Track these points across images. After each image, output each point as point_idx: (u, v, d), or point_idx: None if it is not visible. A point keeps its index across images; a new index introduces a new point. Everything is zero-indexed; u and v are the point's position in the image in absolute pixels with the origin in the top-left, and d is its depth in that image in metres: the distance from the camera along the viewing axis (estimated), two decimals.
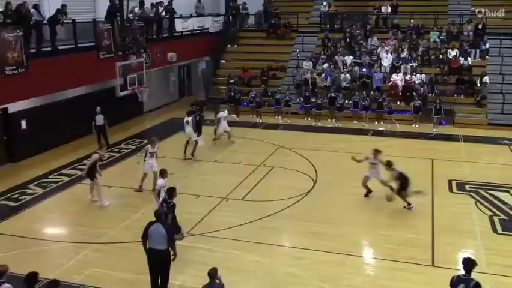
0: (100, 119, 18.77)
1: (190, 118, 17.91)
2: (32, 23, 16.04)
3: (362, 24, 28.26)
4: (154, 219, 9.18)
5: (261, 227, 12.51)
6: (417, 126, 22.29)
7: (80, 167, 17.10)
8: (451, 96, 23.61)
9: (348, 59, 25.85)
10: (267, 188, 15.11)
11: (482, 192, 14.71)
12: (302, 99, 24.43)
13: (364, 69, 24.94)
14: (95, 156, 13.86)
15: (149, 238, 9.06)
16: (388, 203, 13.83)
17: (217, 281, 7.82)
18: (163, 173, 11.87)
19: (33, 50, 16.23)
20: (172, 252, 9.57)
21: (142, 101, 20.14)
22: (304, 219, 12.93)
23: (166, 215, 9.82)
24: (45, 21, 17.01)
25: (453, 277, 7.86)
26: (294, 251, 11.38)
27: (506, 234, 12.16)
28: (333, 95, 23.52)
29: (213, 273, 7.95)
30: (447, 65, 24.67)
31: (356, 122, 23.24)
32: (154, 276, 9.25)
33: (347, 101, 23.87)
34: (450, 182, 15.58)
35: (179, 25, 25.08)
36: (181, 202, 12.68)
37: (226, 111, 20.56)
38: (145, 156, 14.66)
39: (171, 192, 10.61)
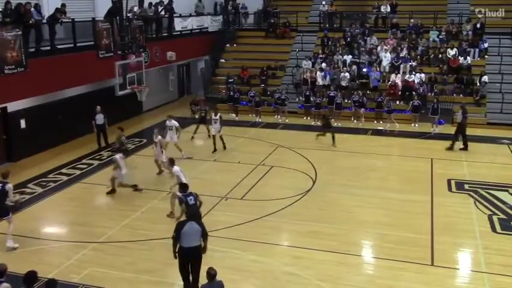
0: (100, 118, 18.81)
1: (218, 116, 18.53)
2: (31, 22, 16.01)
3: (361, 23, 28.27)
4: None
5: (260, 226, 12.50)
6: (416, 125, 22.30)
7: (79, 166, 17.14)
8: (450, 95, 23.61)
9: (348, 58, 25.85)
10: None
11: (482, 192, 14.71)
12: (302, 98, 24.43)
13: (365, 69, 24.92)
14: (9, 186, 11.27)
15: (183, 238, 8.99)
16: (388, 203, 13.87)
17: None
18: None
19: (33, 49, 16.20)
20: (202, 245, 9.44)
21: (141, 100, 20.13)
22: (303, 218, 12.92)
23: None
24: (44, 21, 16.99)
25: None
26: (293, 250, 11.37)
27: (506, 234, 12.16)
28: (332, 94, 23.52)
29: (213, 273, 7.94)
30: (446, 64, 24.67)
31: (355, 121, 23.27)
32: (186, 274, 9.19)
33: (346, 100, 23.87)
34: (449, 181, 15.58)
35: (179, 24, 25.07)
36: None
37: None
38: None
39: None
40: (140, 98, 19.50)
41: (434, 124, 21.75)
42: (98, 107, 18.77)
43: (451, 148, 18.81)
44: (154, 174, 16.20)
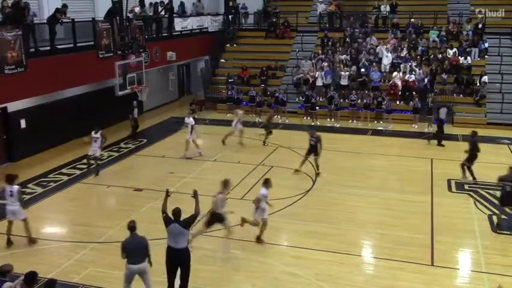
0: (135, 112, 20.41)
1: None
2: (28, 21, 16.00)
3: (362, 23, 28.27)
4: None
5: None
6: (416, 126, 22.25)
7: (79, 166, 17.14)
8: (450, 95, 23.58)
9: (347, 58, 25.83)
10: None
11: (481, 192, 14.73)
12: (302, 98, 24.42)
13: (363, 69, 24.91)
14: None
15: (169, 237, 9.12)
16: (388, 203, 13.86)
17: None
18: (266, 183, 11.55)
19: (33, 50, 16.21)
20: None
21: (141, 100, 20.17)
22: (303, 218, 12.93)
23: None
24: (43, 20, 16.98)
25: None
26: (293, 251, 11.38)
27: (505, 234, 12.17)
28: (332, 94, 23.51)
29: (131, 225, 8.74)
30: (447, 60, 24.60)
31: (355, 121, 23.26)
32: (172, 276, 9.21)
33: (346, 100, 23.86)
34: (449, 181, 15.59)
35: (179, 24, 25.08)
36: (180, 202, 12.70)
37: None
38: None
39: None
40: (140, 98, 19.55)
41: (429, 124, 21.53)
42: (135, 102, 20.21)
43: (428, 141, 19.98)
44: (154, 174, 16.23)
